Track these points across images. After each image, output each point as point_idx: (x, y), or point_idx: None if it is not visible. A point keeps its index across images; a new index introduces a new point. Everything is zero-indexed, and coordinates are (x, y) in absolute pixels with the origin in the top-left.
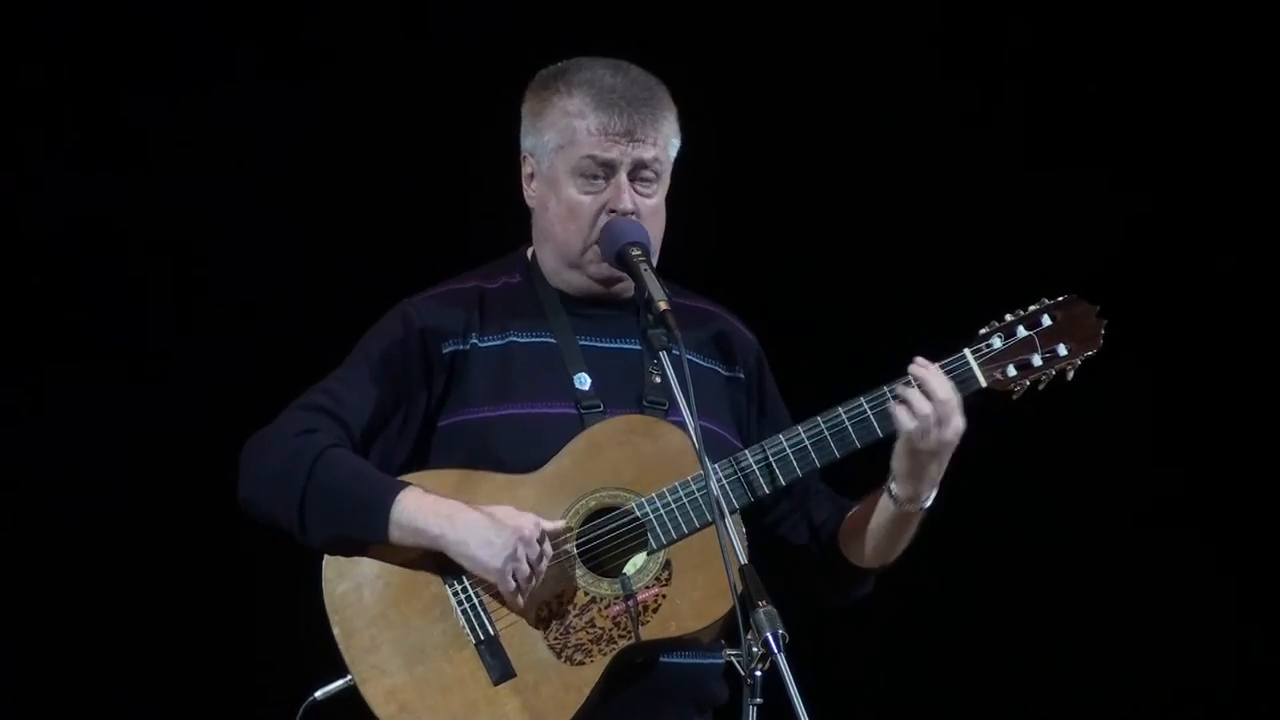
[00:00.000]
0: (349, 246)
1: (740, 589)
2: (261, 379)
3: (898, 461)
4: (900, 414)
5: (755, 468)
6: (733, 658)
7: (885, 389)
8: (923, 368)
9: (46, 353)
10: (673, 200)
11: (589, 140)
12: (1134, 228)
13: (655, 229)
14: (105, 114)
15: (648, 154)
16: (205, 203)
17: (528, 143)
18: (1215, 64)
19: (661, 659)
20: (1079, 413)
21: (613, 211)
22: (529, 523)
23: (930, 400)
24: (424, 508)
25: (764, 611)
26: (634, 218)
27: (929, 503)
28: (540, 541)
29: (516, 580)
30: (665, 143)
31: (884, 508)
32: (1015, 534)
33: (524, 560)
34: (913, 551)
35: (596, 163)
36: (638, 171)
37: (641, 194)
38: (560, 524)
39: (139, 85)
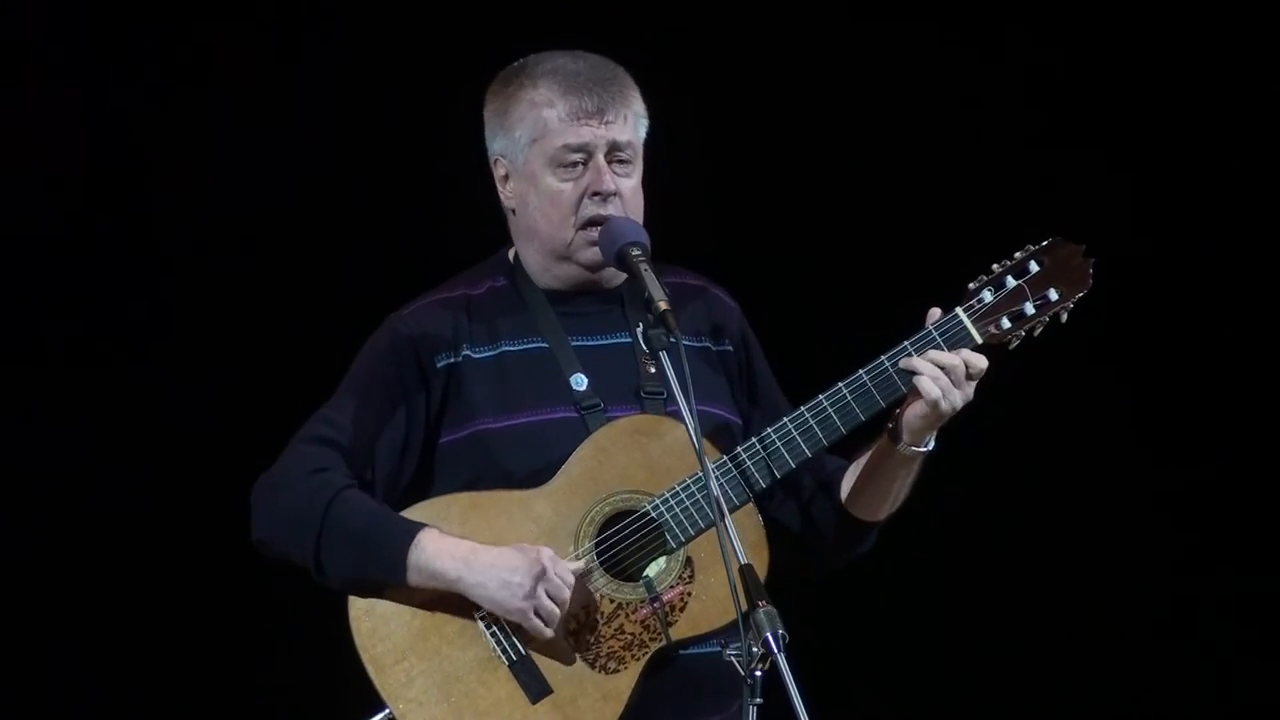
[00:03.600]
0: (337, 251)
1: (740, 590)
2: (281, 386)
3: (914, 419)
4: (923, 384)
5: (766, 452)
6: (733, 658)
7: (883, 359)
8: (910, 358)
9: (50, 349)
10: (657, 176)
11: (561, 127)
12: (1122, 201)
13: (636, 210)
14: (95, 122)
15: (622, 135)
16: (193, 204)
17: (497, 145)
18: (1212, 50)
19: (696, 650)
20: (1075, 410)
21: (596, 194)
22: (544, 558)
23: (941, 368)
24: (441, 552)
25: (764, 611)
26: (616, 199)
27: (932, 445)
28: (557, 571)
29: (541, 617)
30: (636, 123)
31: (890, 456)
32: (1014, 534)
33: (544, 597)
34: (911, 551)
35: (572, 149)
36: (613, 153)
37: (619, 175)
38: (579, 564)
39: (129, 91)
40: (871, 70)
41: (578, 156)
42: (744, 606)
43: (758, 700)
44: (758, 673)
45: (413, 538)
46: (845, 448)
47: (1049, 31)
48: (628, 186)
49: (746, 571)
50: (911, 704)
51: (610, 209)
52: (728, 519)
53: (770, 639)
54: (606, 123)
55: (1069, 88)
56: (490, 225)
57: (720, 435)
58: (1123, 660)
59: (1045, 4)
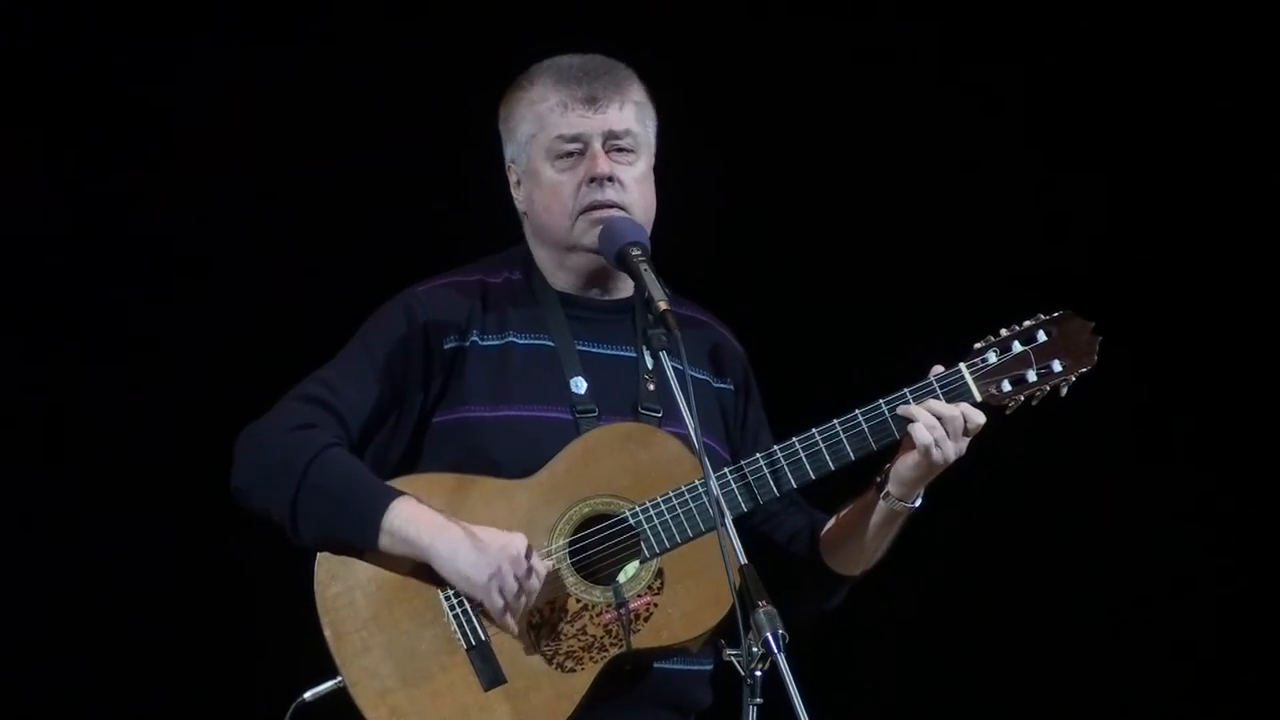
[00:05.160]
0: (346, 243)
1: (739, 589)
2: (254, 372)
3: (905, 469)
4: (918, 432)
5: (752, 478)
6: (733, 658)
7: (881, 403)
8: (909, 406)
9: (43, 348)
10: (672, 206)
11: (555, 118)
12: (1132, 238)
13: (642, 200)
14: (101, 114)
15: (618, 124)
16: (199, 198)
17: (508, 152)
18: (1210, 69)
19: (656, 665)
20: (1074, 412)
21: (593, 180)
22: (518, 542)
23: (939, 418)
24: (416, 519)
25: (764, 611)
26: (613, 185)
27: (919, 501)
28: (528, 558)
29: (504, 597)
30: (636, 114)
31: (876, 510)
32: (1014, 534)
33: (510, 577)
34: (911, 552)
35: (566, 139)
36: (611, 141)
37: (619, 163)
38: (549, 563)
39: (133, 83)
40: (887, 115)
41: (573, 146)
42: (744, 605)
43: (758, 700)
44: (758, 673)
45: (389, 501)
46: (828, 502)
47: (1062, 67)
48: (630, 175)
49: (746, 571)
50: (912, 704)
51: (609, 194)
52: (728, 520)
53: (770, 639)
54: (600, 111)
55: (1084, 122)
56: (502, 224)
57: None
58: (1121, 664)
59: (1055, 33)
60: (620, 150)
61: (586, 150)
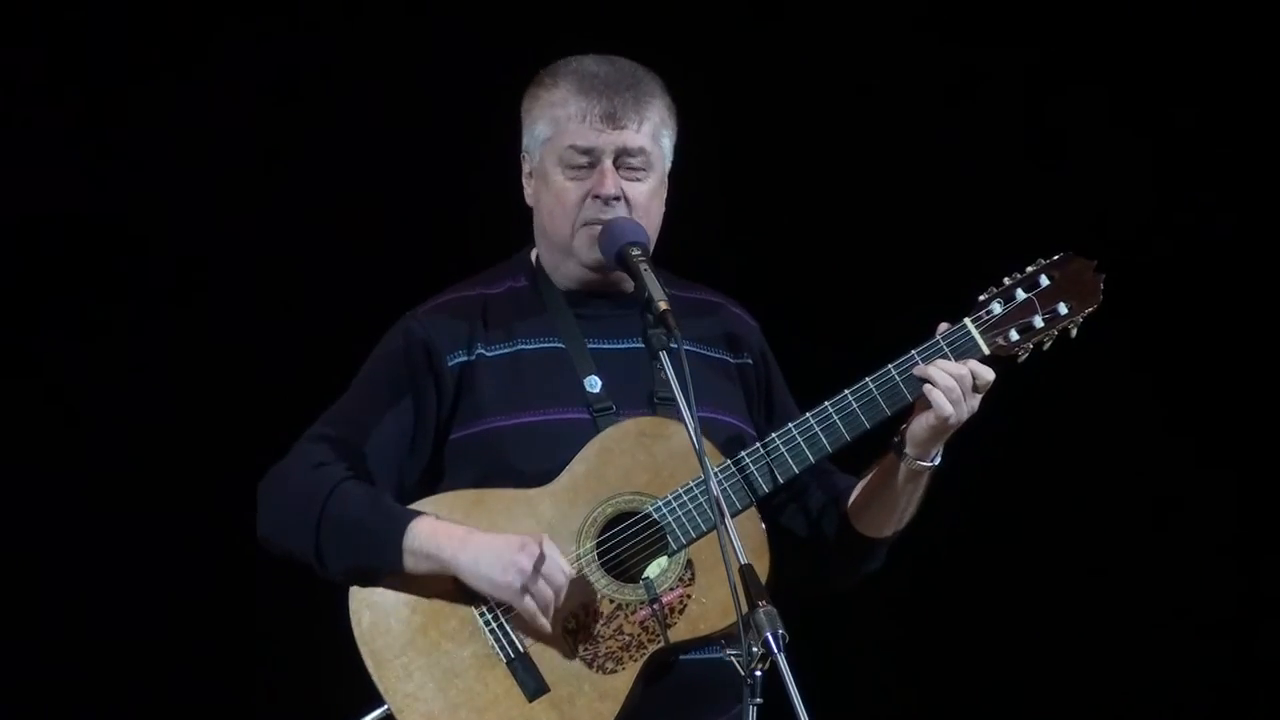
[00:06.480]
0: (354, 251)
1: (740, 590)
2: (271, 388)
3: (920, 430)
4: (931, 394)
5: (770, 458)
6: (733, 658)
7: (890, 367)
8: (919, 366)
9: (62, 368)
10: (671, 178)
11: (571, 128)
12: (1129, 192)
13: (648, 217)
14: (105, 114)
15: (632, 142)
16: (204, 207)
17: (524, 141)
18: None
19: (696, 655)
20: (1075, 411)
21: (596, 197)
22: (538, 539)
23: (952, 377)
24: (437, 533)
25: (764, 611)
26: (619, 203)
27: (939, 459)
28: (547, 551)
29: (535, 599)
30: (653, 131)
31: (896, 471)
32: (1016, 535)
33: (539, 579)
34: (911, 550)
35: (579, 150)
36: (623, 159)
37: (629, 180)
38: (578, 566)
39: (139, 83)
40: (882, 82)
41: (584, 159)
42: (744, 608)
43: (758, 700)
44: (758, 673)
45: (408, 522)
46: (854, 466)
47: (1057, 36)
48: (639, 191)
49: (747, 571)
50: (912, 704)
51: (614, 213)
52: (728, 520)
53: (770, 639)
54: (617, 128)
55: (1078, 93)
56: (514, 224)
57: (731, 444)
58: (1120, 664)
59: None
60: (631, 167)
61: (597, 165)
